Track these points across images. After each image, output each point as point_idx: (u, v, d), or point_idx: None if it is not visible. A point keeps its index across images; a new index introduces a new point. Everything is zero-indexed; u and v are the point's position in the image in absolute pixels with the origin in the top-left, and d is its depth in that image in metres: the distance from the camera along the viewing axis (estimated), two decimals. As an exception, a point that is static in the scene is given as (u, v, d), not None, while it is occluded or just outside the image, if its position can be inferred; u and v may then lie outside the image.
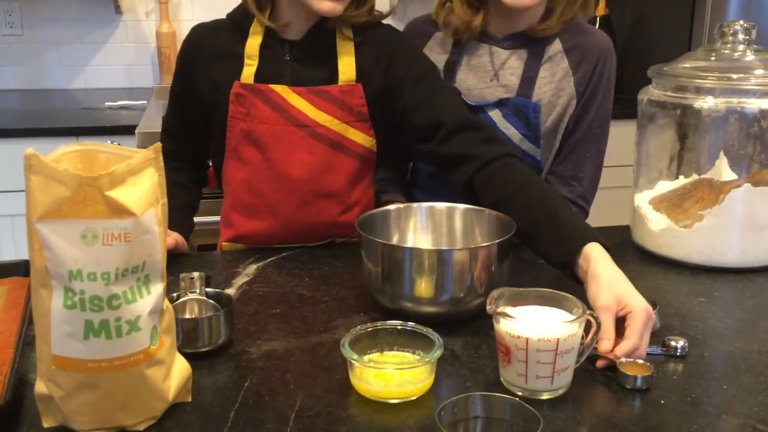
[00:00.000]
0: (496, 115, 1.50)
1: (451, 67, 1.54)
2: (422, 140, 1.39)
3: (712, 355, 1.06)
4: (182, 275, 1.12)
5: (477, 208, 1.24)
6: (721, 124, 1.37)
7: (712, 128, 1.38)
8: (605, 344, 1.00)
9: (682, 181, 1.47)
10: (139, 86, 3.07)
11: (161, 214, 0.88)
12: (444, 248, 1.21)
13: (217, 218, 1.55)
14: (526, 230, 1.18)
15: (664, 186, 1.48)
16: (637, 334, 1.00)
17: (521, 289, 1.00)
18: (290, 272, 1.35)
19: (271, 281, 1.31)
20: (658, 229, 1.41)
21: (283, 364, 1.03)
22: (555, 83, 1.50)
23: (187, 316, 1.09)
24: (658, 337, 1.08)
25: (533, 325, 0.92)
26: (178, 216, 1.45)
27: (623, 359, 0.98)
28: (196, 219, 1.57)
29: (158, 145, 0.87)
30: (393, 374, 0.93)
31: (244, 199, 1.43)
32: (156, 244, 0.86)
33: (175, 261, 1.38)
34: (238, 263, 1.39)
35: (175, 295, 1.09)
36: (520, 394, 0.95)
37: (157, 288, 0.88)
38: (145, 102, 2.75)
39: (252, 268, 1.37)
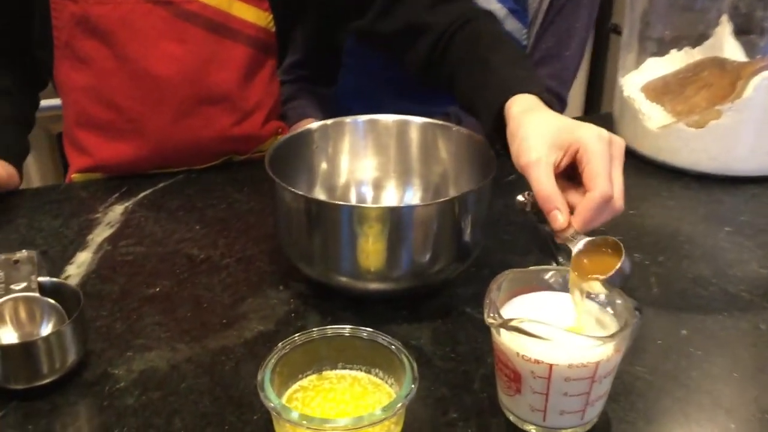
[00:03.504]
0: None
1: None
2: (351, 15, 0.99)
3: (774, 329, 0.77)
4: (0, 258, 0.72)
5: (440, 123, 0.86)
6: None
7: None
8: (558, 218, 0.66)
9: (677, 57, 1.14)
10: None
11: None
12: (401, 206, 0.84)
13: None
14: (467, 98, 0.85)
15: (656, 66, 1.15)
16: (602, 174, 0.65)
17: (529, 269, 0.66)
18: (172, 215, 0.97)
19: (146, 233, 0.93)
20: (658, 128, 1.09)
21: (169, 398, 0.67)
22: None
23: (9, 330, 0.70)
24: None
25: (559, 342, 0.59)
26: (2, 136, 1.02)
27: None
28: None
29: None
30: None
31: (94, 115, 1.00)
32: None
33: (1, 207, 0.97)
34: (95, 203, 0.99)
35: (-14, 296, 0.70)
36: (533, 431, 0.63)
37: None
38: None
39: (117, 211, 0.97)
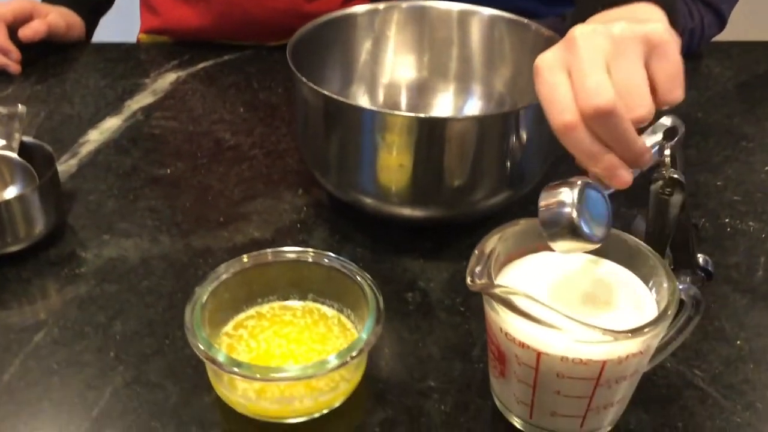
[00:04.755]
0: None
1: None
2: None
3: None
4: (-14, 110, 0.66)
5: (515, 18, 0.69)
6: None
7: None
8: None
9: None
10: None
11: None
12: (432, 116, 0.67)
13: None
14: None
15: None
16: (545, 106, 0.45)
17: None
18: (222, 92, 0.87)
19: (186, 108, 0.84)
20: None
21: (123, 295, 0.59)
22: None
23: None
24: None
25: (554, 326, 0.44)
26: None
27: None
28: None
29: None
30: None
31: (164, -28, 0.91)
32: None
33: (56, 63, 0.92)
34: (150, 68, 0.92)
35: (-42, 150, 0.64)
36: (520, 428, 0.49)
37: None
38: None
39: (167, 79, 0.89)
